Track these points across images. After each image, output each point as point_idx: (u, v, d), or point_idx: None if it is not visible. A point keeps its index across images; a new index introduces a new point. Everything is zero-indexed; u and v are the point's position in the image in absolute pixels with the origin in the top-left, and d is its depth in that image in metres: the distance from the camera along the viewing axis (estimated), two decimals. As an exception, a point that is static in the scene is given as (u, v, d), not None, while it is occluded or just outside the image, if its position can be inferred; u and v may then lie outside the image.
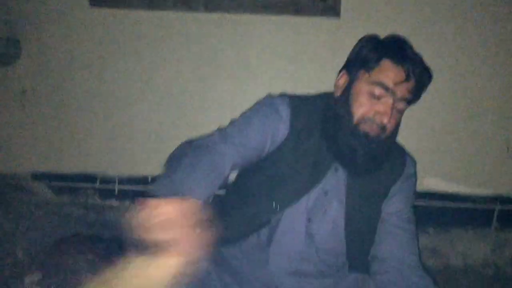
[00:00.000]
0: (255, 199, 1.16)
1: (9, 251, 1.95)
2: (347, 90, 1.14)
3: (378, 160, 1.12)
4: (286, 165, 1.14)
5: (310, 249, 1.17)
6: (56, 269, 1.84)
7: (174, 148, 2.00)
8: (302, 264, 1.18)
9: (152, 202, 0.76)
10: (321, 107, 1.18)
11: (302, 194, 1.14)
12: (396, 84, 1.08)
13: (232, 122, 1.16)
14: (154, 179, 2.06)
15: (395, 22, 1.86)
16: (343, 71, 1.19)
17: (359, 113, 1.09)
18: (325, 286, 1.23)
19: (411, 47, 1.15)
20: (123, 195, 2.13)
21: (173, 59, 1.97)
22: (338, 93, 1.17)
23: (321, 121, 1.16)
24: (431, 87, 1.19)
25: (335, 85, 1.19)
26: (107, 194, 2.13)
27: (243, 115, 1.17)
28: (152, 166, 2.09)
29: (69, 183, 2.11)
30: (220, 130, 1.13)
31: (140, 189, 2.10)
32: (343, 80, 1.17)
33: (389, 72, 1.09)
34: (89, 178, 2.11)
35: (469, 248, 2.18)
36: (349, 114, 1.10)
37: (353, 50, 1.20)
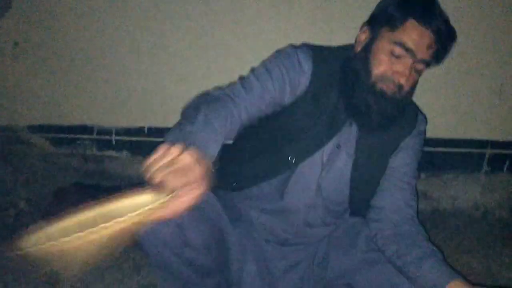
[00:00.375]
0: (270, 150, 1.18)
1: (12, 202, 2.00)
2: (368, 46, 1.13)
3: (392, 118, 1.13)
4: (304, 118, 1.15)
5: (317, 200, 1.21)
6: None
7: (170, 100, 2.03)
8: (309, 214, 1.22)
9: (164, 147, 0.81)
10: (341, 61, 1.18)
11: (318, 148, 1.16)
12: (417, 46, 1.06)
13: (253, 71, 1.15)
14: (151, 130, 2.12)
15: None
16: (366, 27, 1.17)
17: (377, 71, 1.09)
18: (326, 232, 1.28)
19: (439, 8, 1.11)
20: (120, 146, 2.16)
21: (170, 11, 1.93)
22: (358, 49, 1.16)
23: (339, 76, 1.16)
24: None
25: (356, 40, 1.18)
26: (104, 145, 2.16)
27: (264, 64, 1.16)
28: (148, 117, 2.11)
29: (67, 135, 2.14)
30: (241, 80, 1.13)
31: (136, 139, 2.13)
32: (365, 36, 1.15)
33: (412, 33, 1.07)
34: (86, 129, 2.14)
35: (459, 191, 2.23)
36: (367, 71, 1.10)
37: (378, 5, 1.17)
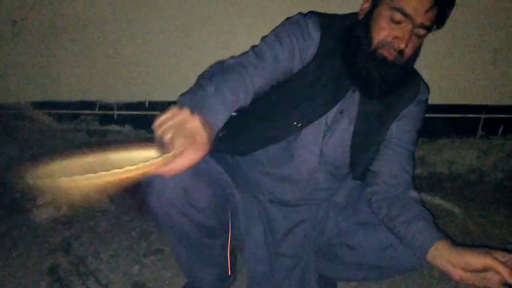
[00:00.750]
0: (275, 115, 1.21)
1: (19, 177, 2.05)
2: (369, 14, 1.16)
3: (394, 84, 1.16)
4: (310, 84, 1.19)
5: (320, 164, 1.25)
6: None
7: (170, 74, 2.05)
8: (312, 177, 1.27)
9: (175, 109, 0.86)
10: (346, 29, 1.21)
11: (322, 113, 1.20)
12: (416, 11, 1.08)
13: (264, 40, 1.19)
14: (152, 104, 2.15)
15: None
16: None
17: (378, 37, 1.12)
18: (328, 195, 1.33)
19: None
20: (122, 120, 2.20)
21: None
22: (361, 16, 1.19)
23: (343, 43, 1.19)
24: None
25: (360, 9, 1.21)
26: (107, 119, 2.19)
27: (275, 33, 1.19)
28: (149, 92, 2.14)
29: (70, 111, 2.18)
30: (253, 49, 1.17)
31: (137, 114, 2.17)
32: (368, 4, 1.18)
33: None
34: (89, 105, 2.17)
35: (455, 155, 2.28)
36: (369, 37, 1.13)
37: None
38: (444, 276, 1.44)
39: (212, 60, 1.21)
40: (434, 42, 1.97)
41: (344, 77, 1.18)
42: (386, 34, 1.10)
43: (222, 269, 1.36)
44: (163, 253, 1.59)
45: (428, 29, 1.11)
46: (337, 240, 1.30)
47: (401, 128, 1.24)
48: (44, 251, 1.57)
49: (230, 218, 1.26)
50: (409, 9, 1.08)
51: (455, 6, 1.14)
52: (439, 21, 1.13)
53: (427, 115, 2.12)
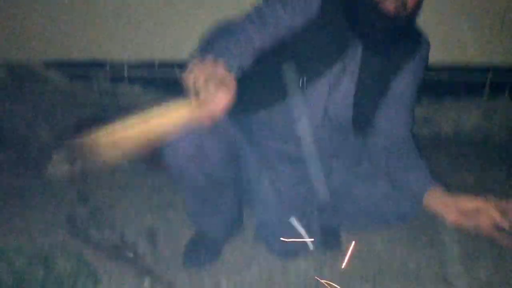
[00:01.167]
0: (279, 74, 1.23)
1: (33, 135, 2.11)
2: None
3: (396, 37, 1.17)
4: (313, 41, 1.20)
5: (324, 121, 1.28)
6: (79, 148, 2.01)
7: (179, 34, 2.06)
8: (317, 135, 1.30)
9: (197, 59, 0.92)
10: None
11: (325, 70, 1.22)
12: None
13: (267, 0, 1.20)
14: (161, 64, 2.18)
15: None
16: None
17: None
18: (332, 151, 1.38)
19: None
20: (132, 80, 2.24)
21: None
22: None
23: None
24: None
25: None
26: (117, 79, 2.24)
27: None
28: (159, 51, 2.17)
29: (81, 70, 2.21)
30: (256, 8, 1.18)
31: (147, 73, 2.21)
32: None
33: None
34: (99, 65, 2.21)
35: (460, 116, 2.31)
36: None
37: None
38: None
39: (221, 18, 1.24)
40: (441, 1, 1.97)
41: (347, 33, 1.19)
42: None
43: (231, 220, 1.44)
44: (175, 206, 1.66)
45: None
46: (340, 192, 1.35)
47: (402, 84, 1.25)
48: (61, 203, 1.64)
49: (239, 173, 1.32)
50: None
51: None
52: None
53: (434, 77, 2.18)
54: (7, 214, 1.59)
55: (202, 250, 1.40)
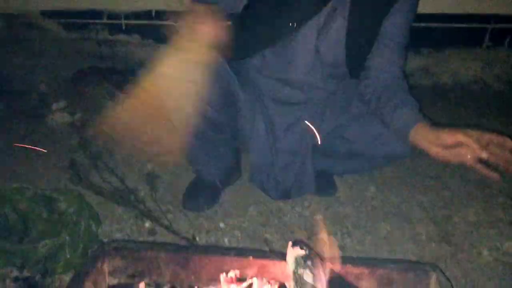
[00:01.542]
0: (271, 17, 1.24)
1: (33, 85, 2.12)
2: None
3: None
4: None
5: (316, 63, 1.29)
6: (79, 97, 2.03)
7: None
8: (310, 77, 1.32)
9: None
10: None
11: (315, 11, 1.22)
12: None
13: None
14: (158, 13, 2.16)
15: None
16: None
17: None
18: (326, 94, 1.39)
19: None
20: (130, 30, 2.23)
21: None
22: None
23: None
24: None
25: None
26: (115, 29, 2.22)
27: None
28: (155, 0, 2.15)
29: (78, 20, 2.20)
30: None
31: (145, 23, 2.19)
32: None
33: None
34: (97, 14, 2.19)
35: (460, 66, 2.30)
36: None
37: None
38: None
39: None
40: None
41: None
42: None
43: (229, 167, 1.48)
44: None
45: None
46: (333, 134, 1.38)
47: (393, 24, 1.25)
48: (63, 151, 1.68)
49: (235, 116, 1.35)
50: None
51: None
52: None
53: (433, 25, 2.15)
54: (10, 160, 1.63)
55: (201, 194, 1.44)
